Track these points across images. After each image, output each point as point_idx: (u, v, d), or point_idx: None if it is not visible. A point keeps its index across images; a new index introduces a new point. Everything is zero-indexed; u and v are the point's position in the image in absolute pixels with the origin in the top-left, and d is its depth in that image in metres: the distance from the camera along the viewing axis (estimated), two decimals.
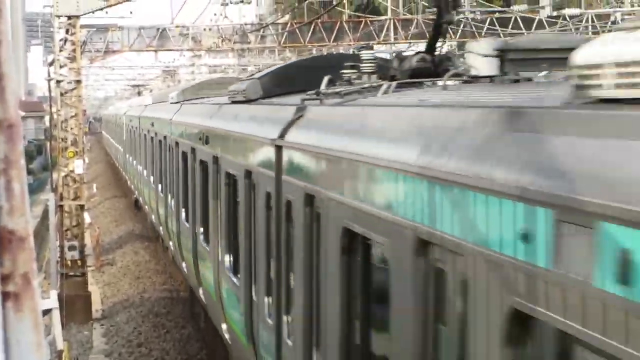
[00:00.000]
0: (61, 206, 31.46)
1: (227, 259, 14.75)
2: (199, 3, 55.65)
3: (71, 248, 31.30)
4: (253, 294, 12.39)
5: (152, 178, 29.84)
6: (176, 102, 25.63)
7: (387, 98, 8.82)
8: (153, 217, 30.04)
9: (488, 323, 4.67)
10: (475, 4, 53.55)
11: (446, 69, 9.41)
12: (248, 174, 12.39)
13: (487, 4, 54.61)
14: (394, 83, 9.38)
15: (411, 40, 51.37)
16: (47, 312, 21.48)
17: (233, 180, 13.97)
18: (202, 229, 17.76)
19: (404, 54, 10.75)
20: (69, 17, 30.65)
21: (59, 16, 30.70)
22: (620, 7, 47.81)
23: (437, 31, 10.46)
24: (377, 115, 7.68)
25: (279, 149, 10.33)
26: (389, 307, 6.44)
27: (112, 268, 37.61)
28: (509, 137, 4.93)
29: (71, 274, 31.15)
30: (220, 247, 15.19)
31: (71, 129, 31.49)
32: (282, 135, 10.26)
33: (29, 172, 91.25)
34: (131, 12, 54.48)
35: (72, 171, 31.50)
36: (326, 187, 8.25)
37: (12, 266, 1.72)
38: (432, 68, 9.94)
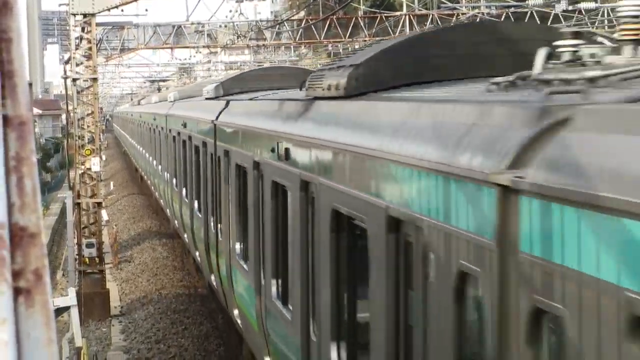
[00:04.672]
0: (78, 204, 31.55)
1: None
2: (214, 0, 55.74)
3: (89, 245, 31.39)
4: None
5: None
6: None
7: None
8: None
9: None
10: None
11: None
12: None
13: None
14: None
15: None
16: (65, 309, 21.52)
17: None
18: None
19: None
20: (85, 15, 30.72)
21: (74, 14, 30.76)
22: None
23: None
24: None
25: None
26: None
27: (130, 265, 37.71)
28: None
29: (89, 271, 31.25)
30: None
31: (88, 126, 31.58)
32: None
33: (47, 170, 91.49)
34: (146, 10, 54.76)
35: (89, 169, 31.58)
36: None
37: (24, 262, 1.74)
38: None
